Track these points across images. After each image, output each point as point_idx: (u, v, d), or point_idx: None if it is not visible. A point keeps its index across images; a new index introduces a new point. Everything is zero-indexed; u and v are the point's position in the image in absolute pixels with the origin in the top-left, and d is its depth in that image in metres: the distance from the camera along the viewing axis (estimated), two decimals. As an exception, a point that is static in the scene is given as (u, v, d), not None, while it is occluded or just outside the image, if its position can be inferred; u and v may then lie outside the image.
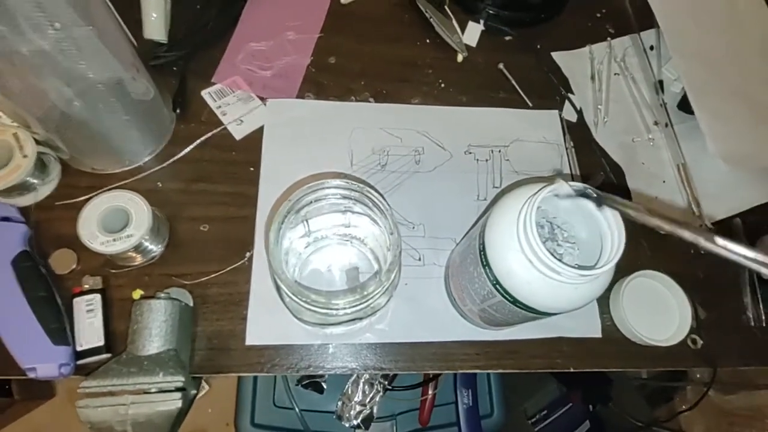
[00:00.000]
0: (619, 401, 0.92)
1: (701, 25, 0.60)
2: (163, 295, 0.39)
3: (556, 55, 0.60)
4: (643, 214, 0.27)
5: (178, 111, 0.49)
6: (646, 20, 0.60)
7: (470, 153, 0.53)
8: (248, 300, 0.43)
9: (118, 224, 0.39)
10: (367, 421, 0.69)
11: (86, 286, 0.40)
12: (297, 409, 0.68)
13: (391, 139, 0.52)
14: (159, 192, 0.46)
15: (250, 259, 0.44)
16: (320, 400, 0.70)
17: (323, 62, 0.55)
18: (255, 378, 0.72)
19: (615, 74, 0.60)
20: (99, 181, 0.45)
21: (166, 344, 0.36)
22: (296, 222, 0.36)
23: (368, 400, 0.69)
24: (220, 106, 0.50)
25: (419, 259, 0.47)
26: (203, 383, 1.04)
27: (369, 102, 0.54)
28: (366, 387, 0.69)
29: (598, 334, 0.46)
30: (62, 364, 0.36)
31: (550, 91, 0.58)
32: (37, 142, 0.42)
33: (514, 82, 0.57)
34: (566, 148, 0.54)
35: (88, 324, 0.39)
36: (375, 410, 0.69)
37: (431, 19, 0.57)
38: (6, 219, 0.41)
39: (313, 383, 0.70)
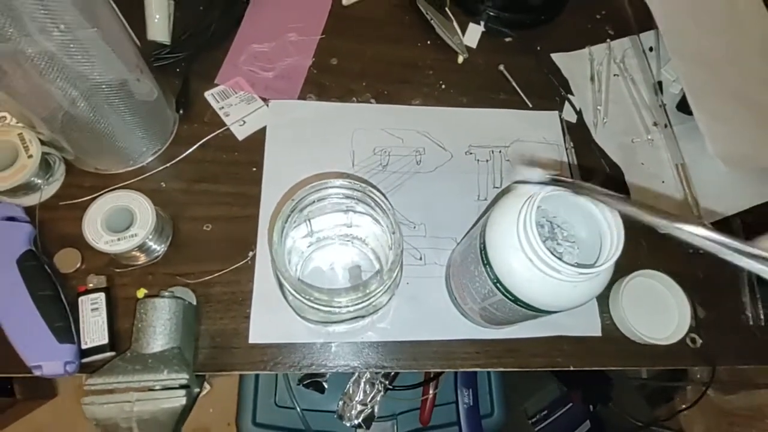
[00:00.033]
0: (619, 401, 0.92)
1: (700, 27, 0.60)
2: (167, 293, 0.40)
3: (556, 57, 0.60)
4: (621, 202, 0.27)
5: (181, 112, 0.49)
6: (646, 22, 0.61)
7: (471, 153, 0.53)
8: (251, 299, 0.43)
9: (122, 224, 0.40)
10: (368, 420, 0.69)
11: (91, 285, 0.41)
12: (298, 409, 0.68)
13: (392, 140, 0.52)
14: (162, 192, 0.47)
15: (253, 258, 0.45)
16: (321, 400, 0.70)
17: (325, 63, 0.56)
18: (256, 377, 0.72)
19: (614, 75, 0.61)
20: (103, 182, 0.45)
21: (170, 342, 0.37)
22: (299, 221, 0.36)
23: (369, 399, 0.69)
24: (222, 107, 0.51)
25: (420, 259, 0.47)
26: (205, 383, 1.04)
27: (370, 103, 0.54)
28: (367, 386, 0.69)
29: (598, 333, 0.47)
30: (67, 362, 0.37)
31: (549, 92, 0.58)
32: (42, 143, 0.43)
33: (514, 83, 0.58)
34: (566, 149, 0.55)
35: (93, 322, 0.39)
36: (376, 410, 0.69)
37: (432, 21, 0.58)
38: (11, 219, 0.41)
39: (314, 383, 0.70)
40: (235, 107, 0.51)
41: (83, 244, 0.39)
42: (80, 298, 0.40)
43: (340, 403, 0.69)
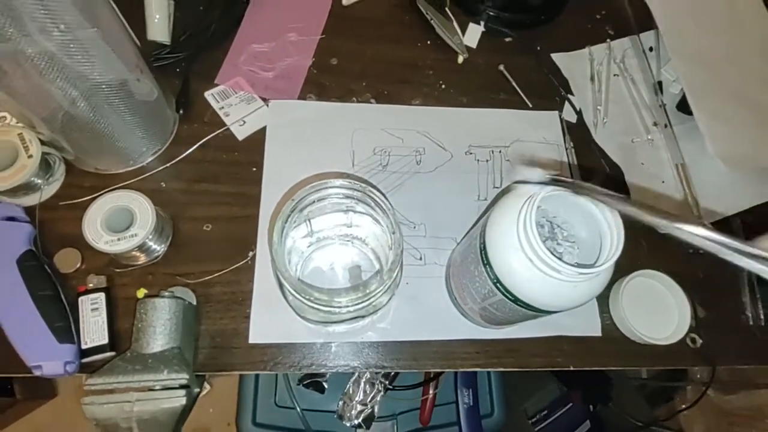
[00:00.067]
0: (619, 401, 0.92)
1: (700, 27, 0.60)
2: (167, 293, 0.40)
3: (556, 57, 0.60)
4: (621, 202, 0.28)
5: (181, 112, 0.49)
6: (646, 22, 0.61)
7: (471, 153, 0.53)
8: (251, 299, 0.43)
9: (122, 224, 0.40)
10: (368, 420, 0.69)
11: (91, 285, 0.41)
12: (298, 409, 0.68)
13: (392, 140, 0.52)
14: (162, 192, 0.47)
15: (253, 258, 0.45)
16: (321, 400, 0.70)
17: (325, 63, 0.56)
18: (256, 377, 0.72)
19: (614, 75, 0.61)
20: (103, 182, 0.45)
21: (171, 342, 0.37)
22: (299, 221, 0.36)
23: (369, 399, 0.69)
24: (222, 107, 0.51)
25: (420, 259, 0.47)
26: (205, 383, 1.04)
27: (370, 103, 0.54)
28: (367, 386, 0.69)
29: (598, 333, 0.47)
30: (67, 361, 0.37)
31: (549, 92, 0.58)
32: (42, 143, 0.43)
33: (514, 84, 0.58)
34: (566, 149, 0.55)
35: (93, 322, 0.39)
36: (376, 410, 0.69)
37: (432, 21, 0.58)
38: (11, 219, 0.41)
39: (314, 383, 0.70)
40: (235, 107, 0.51)
41: (83, 244, 0.39)
42: (80, 298, 0.40)
43: (340, 403, 0.69)
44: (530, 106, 0.57)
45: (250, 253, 0.45)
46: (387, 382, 0.69)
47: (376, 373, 0.69)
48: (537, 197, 0.30)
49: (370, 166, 0.51)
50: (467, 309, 0.42)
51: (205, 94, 0.51)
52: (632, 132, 0.58)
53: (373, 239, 0.41)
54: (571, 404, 0.94)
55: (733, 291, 0.51)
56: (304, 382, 0.70)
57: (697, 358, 0.48)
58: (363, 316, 0.36)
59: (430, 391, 0.72)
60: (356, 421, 0.68)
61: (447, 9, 0.59)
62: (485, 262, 0.34)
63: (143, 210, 0.40)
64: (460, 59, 0.58)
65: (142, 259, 0.43)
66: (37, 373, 0.37)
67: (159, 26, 0.51)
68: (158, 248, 0.43)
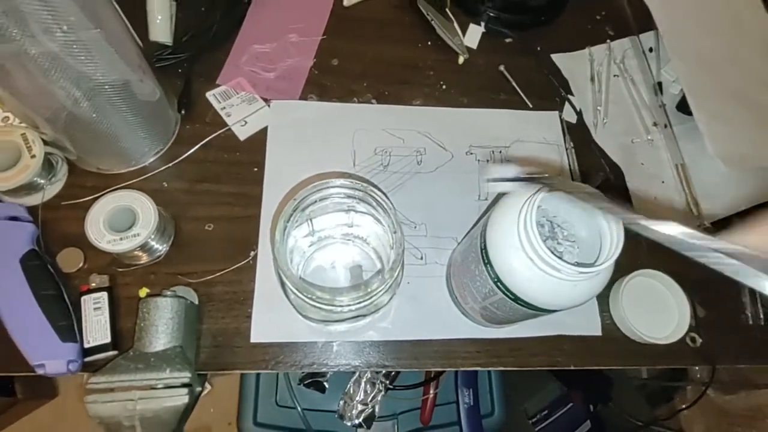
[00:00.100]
0: (620, 401, 0.92)
1: (700, 27, 0.61)
2: (169, 293, 0.40)
3: (556, 57, 0.61)
4: (589, 197, 0.28)
5: (183, 112, 0.50)
6: (645, 22, 0.61)
7: (471, 153, 0.53)
8: (253, 298, 0.43)
9: (124, 223, 0.40)
10: (369, 420, 0.69)
11: (93, 285, 0.41)
12: (299, 408, 0.68)
13: (393, 140, 0.52)
14: (164, 192, 0.47)
15: (255, 258, 0.45)
16: (322, 400, 0.71)
17: (326, 64, 0.56)
18: (257, 377, 0.73)
19: (614, 76, 0.61)
20: (105, 181, 0.46)
21: (173, 341, 0.37)
22: (301, 221, 0.36)
23: (370, 399, 0.69)
24: (224, 108, 0.51)
25: (421, 258, 0.47)
26: (205, 383, 1.04)
27: (371, 103, 0.54)
28: (368, 386, 0.70)
29: (598, 333, 0.47)
30: (70, 360, 0.37)
31: (550, 92, 0.58)
32: (45, 143, 0.43)
33: (514, 84, 0.58)
34: (566, 149, 0.55)
35: (96, 321, 0.39)
36: (377, 409, 0.69)
37: (432, 22, 0.58)
38: (14, 218, 0.42)
39: (314, 382, 0.70)
40: (237, 107, 0.51)
41: (86, 244, 0.39)
42: (83, 298, 0.40)
43: (341, 402, 0.69)
44: (530, 106, 0.57)
45: (252, 253, 0.45)
46: (388, 382, 0.69)
47: (377, 372, 0.69)
48: (537, 197, 0.30)
49: (371, 166, 0.51)
50: (468, 308, 0.43)
51: (207, 94, 0.52)
52: (632, 132, 0.58)
53: (375, 239, 0.41)
54: (571, 404, 0.94)
55: (732, 290, 0.51)
56: (305, 382, 0.70)
57: (696, 358, 0.48)
58: (364, 315, 0.36)
59: (431, 391, 0.72)
60: (357, 421, 0.68)
61: (447, 10, 0.59)
62: (486, 261, 0.34)
63: (145, 210, 0.40)
64: (461, 60, 0.58)
65: (144, 258, 0.43)
66: (40, 372, 0.37)
67: (161, 27, 0.51)
68: (160, 248, 0.43)
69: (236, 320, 0.43)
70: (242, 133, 0.50)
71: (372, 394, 0.69)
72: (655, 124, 0.58)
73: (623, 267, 0.48)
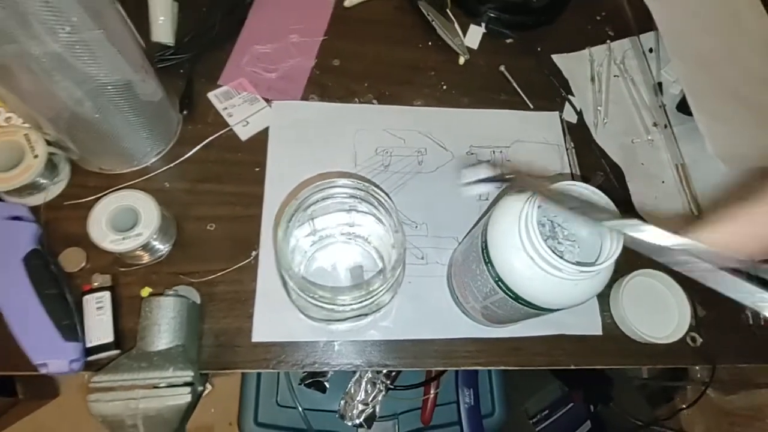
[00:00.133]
0: (620, 401, 0.92)
1: (700, 28, 0.61)
2: (171, 292, 0.40)
3: (557, 58, 0.61)
4: (553, 194, 0.28)
5: (185, 112, 0.50)
6: (645, 23, 0.61)
7: (472, 154, 0.53)
8: (254, 298, 0.44)
9: (127, 223, 0.40)
10: (370, 420, 0.69)
11: (96, 284, 0.41)
12: (300, 408, 0.69)
13: (394, 140, 0.53)
14: (166, 192, 0.47)
15: (256, 257, 0.45)
16: (323, 400, 0.71)
17: (327, 65, 0.56)
18: (258, 377, 0.73)
19: (614, 76, 0.61)
20: (107, 182, 0.46)
21: (175, 340, 0.37)
22: (303, 220, 0.37)
23: (371, 399, 0.69)
24: (226, 108, 0.51)
25: (422, 258, 0.47)
26: (206, 383, 1.04)
27: (372, 104, 0.54)
28: (368, 386, 0.70)
29: (599, 332, 0.47)
30: (73, 359, 0.37)
31: (550, 92, 0.59)
32: (48, 143, 0.43)
33: (515, 84, 0.58)
34: (567, 149, 0.55)
35: (98, 321, 0.39)
36: (377, 409, 0.69)
37: (433, 22, 0.58)
38: (17, 218, 0.42)
39: (315, 382, 0.71)
40: (239, 108, 0.51)
41: (88, 244, 0.39)
42: (85, 297, 0.40)
43: (342, 402, 0.70)
44: (531, 106, 0.57)
45: (254, 253, 0.45)
46: (388, 382, 0.70)
47: (378, 372, 0.69)
48: (538, 197, 0.30)
49: (372, 166, 0.51)
50: (469, 308, 0.43)
51: (209, 94, 0.52)
52: (632, 132, 0.58)
53: (376, 238, 0.41)
54: (572, 404, 0.94)
55: (733, 290, 0.51)
56: (306, 382, 0.70)
57: (697, 357, 0.48)
58: (366, 315, 0.37)
59: (431, 391, 0.72)
60: (358, 421, 0.69)
61: (448, 10, 0.60)
62: (487, 260, 0.34)
63: (148, 209, 0.41)
64: (462, 60, 0.58)
65: (147, 258, 0.43)
66: (42, 370, 0.37)
67: (163, 28, 0.52)
68: (162, 248, 0.44)
69: (238, 320, 0.43)
70: (244, 134, 0.50)
71: (373, 394, 0.69)
72: (655, 125, 0.58)
73: (624, 266, 0.48)
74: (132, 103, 0.41)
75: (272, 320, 0.43)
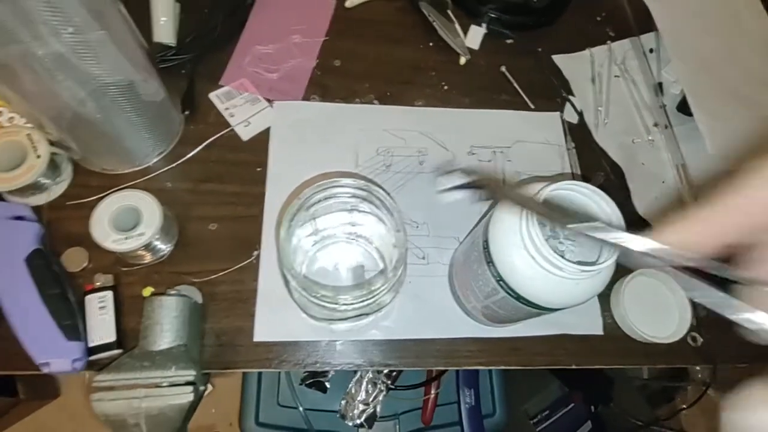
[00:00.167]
0: (620, 401, 0.92)
1: (700, 28, 0.61)
2: (173, 292, 0.40)
3: (557, 58, 0.61)
4: (524, 200, 0.28)
5: (186, 112, 0.50)
6: (646, 23, 0.61)
7: (473, 154, 0.54)
8: (256, 297, 0.44)
9: (129, 223, 0.40)
10: (371, 420, 0.69)
11: (98, 284, 0.41)
12: (301, 408, 0.69)
13: (395, 141, 0.53)
14: (168, 192, 0.47)
15: (258, 257, 0.45)
16: (324, 400, 0.71)
17: (328, 65, 0.56)
18: (259, 377, 0.73)
19: (615, 77, 0.61)
20: (109, 181, 0.46)
21: (177, 340, 0.37)
22: (305, 220, 0.37)
23: (371, 399, 0.69)
24: (227, 108, 0.51)
25: (423, 258, 0.47)
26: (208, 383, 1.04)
27: (373, 104, 0.55)
28: (369, 386, 0.70)
29: (600, 332, 0.47)
30: (75, 359, 0.37)
31: (551, 93, 0.59)
32: (50, 143, 0.43)
33: (516, 85, 0.58)
34: (567, 149, 0.55)
35: (100, 320, 0.39)
36: (378, 409, 0.69)
37: (434, 23, 0.58)
38: (19, 218, 0.42)
39: (316, 382, 0.71)
40: (240, 108, 0.51)
41: (90, 244, 0.39)
42: (87, 297, 0.40)
43: (343, 402, 0.70)
44: (532, 107, 0.57)
45: (255, 252, 0.45)
46: (389, 382, 0.70)
47: (379, 372, 0.69)
48: (540, 196, 0.30)
49: (374, 166, 0.51)
50: (470, 307, 0.43)
51: (210, 95, 0.52)
52: (633, 133, 0.58)
53: (378, 238, 0.41)
54: (572, 405, 0.94)
55: (733, 290, 0.51)
56: (307, 382, 0.70)
57: (697, 357, 0.48)
58: (367, 314, 0.37)
59: (432, 391, 0.72)
60: (358, 421, 0.69)
61: (449, 11, 0.60)
62: (488, 260, 0.34)
63: (150, 209, 0.41)
64: (462, 61, 0.58)
65: (149, 258, 0.43)
66: (45, 370, 0.37)
67: (165, 28, 0.52)
68: (164, 247, 0.44)
69: (239, 319, 0.43)
70: (245, 134, 0.50)
71: (373, 394, 0.69)
72: (655, 125, 0.58)
73: (624, 266, 0.48)
74: (134, 103, 0.41)
75: (273, 320, 0.43)
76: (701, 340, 0.48)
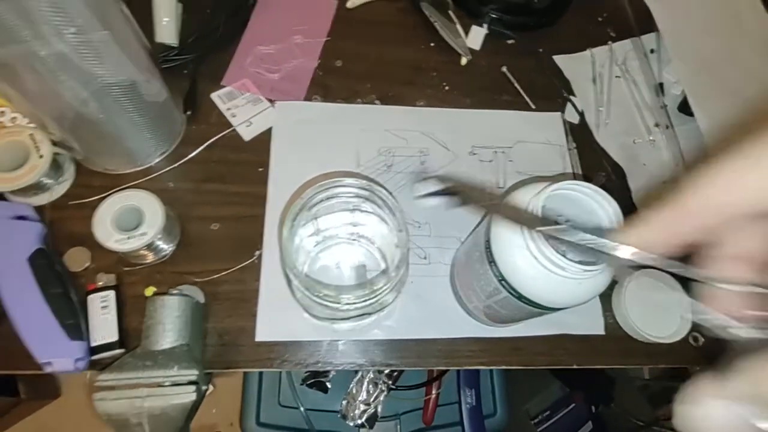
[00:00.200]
0: (622, 402, 0.92)
1: (701, 28, 0.61)
2: (175, 291, 0.40)
3: (558, 59, 0.61)
4: (492, 207, 0.28)
5: (188, 113, 0.50)
6: (647, 24, 0.61)
7: (474, 154, 0.54)
8: (258, 297, 0.44)
9: (131, 223, 0.40)
10: (372, 420, 0.69)
11: (100, 283, 0.41)
12: (302, 408, 0.69)
13: (396, 141, 0.53)
14: (170, 192, 0.47)
15: (260, 257, 0.45)
16: (325, 400, 0.71)
17: (330, 65, 0.56)
18: (260, 377, 0.73)
19: (616, 77, 0.61)
20: (111, 181, 0.46)
21: (180, 339, 0.37)
22: (307, 219, 0.37)
23: (372, 399, 0.69)
24: (229, 108, 0.51)
25: (425, 258, 0.48)
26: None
27: (375, 104, 0.55)
28: (370, 386, 0.70)
29: (601, 332, 0.47)
30: (78, 358, 0.37)
31: (552, 93, 0.59)
32: (53, 143, 0.43)
33: (517, 85, 0.58)
34: (569, 150, 0.55)
35: (103, 320, 0.40)
36: (379, 410, 0.69)
37: (435, 23, 0.58)
38: (22, 218, 0.42)
39: (317, 383, 0.71)
40: (242, 108, 0.52)
41: (92, 243, 0.39)
42: (89, 296, 0.40)
43: (344, 402, 0.70)
44: (533, 107, 0.57)
45: (257, 252, 0.46)
46: (390, 382, 0.70)
47: (380, 372, 0.69)
48: (542, 195, 0.31)
49: (375, 166, 0.51)
50: (472, 307, 0.43)
51: (212, 95, 0.52)
52: (634, 133, 0.58)
53: (380, 238, 0.41)
54: (573, 405, 0.94)
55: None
56: (308, 382, 0.70)
57: (699, 357, 0.48)
58: (369, 314, 0.37)
59: (433, 391, 0.72)
60: (359, 421, 0.69)
61: (450, 11, 0.60)
62: (490, 260, 0.34)
63: (152, 209, 0.41)
64: (464, 61, 0.58)
65: (151, 257, 0.43)
66: (47, 369, 0.37)
67: (167, 29, 0.52)
68: (166, 247, 0.44)
69: (241, 319, 0.43)
70: (247, 134, 0.51)
71: (374, 395, 0.69)
72: (656, 125, 0.58)
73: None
74: (137, 103, 0.41)
75: (275, 320, 0.43)
76: (702, 340, 0.48)
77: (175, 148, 0.49)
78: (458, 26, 0.59)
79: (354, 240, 0.44)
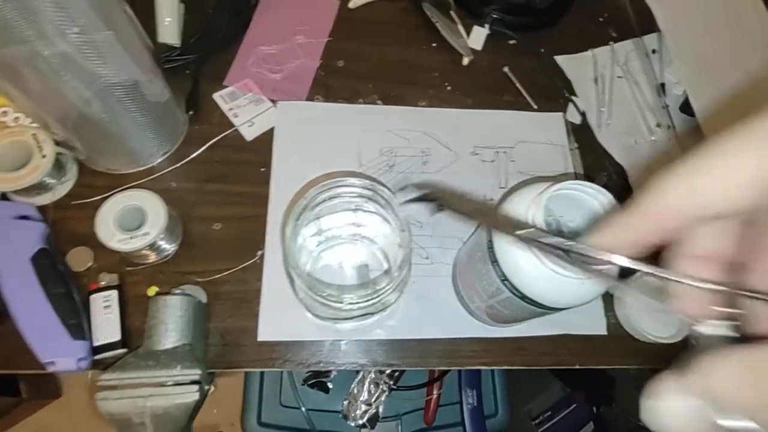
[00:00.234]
0: (623, 402, 0.92)
1: (702, 29, 0.61)
2: (178, 291, 0.40)
3: (560, 59, 0.61)
4: (479, 216, 0.29)
5: (191, 113, 0.50)
6: (648, 24, 0.61)
7: (476, 154, 0.54)
8: (260, 297, 0.44)
9: (134, 223, 0.40)
10: (373, 420, 0.69)
11: (103, 283, 0.41)
12: (303, 409, 0.69)
13: (398, 141, 0.53)
14: (172, 192, 0.47)
15: (262, 257, 0.45)
16: (326, 400, 0.71)
17: (332, 65, 0.56)
18: (261, 377, 0.73)
19: (618, 77, 0.61)
20: (114, 181, 0.46)
21: (182, 339, 0.37)
22: (309, 219, 0.37)
23: (374, 399, 0.69)
24: (231, 108, 0.52)
25: (427, 258, 0.48)
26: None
27: (377, 104, 0.55)
28: (371, 387, 0.70)
29: (604, 332, 0.47)
30: (80, 358, 0.37)
31: (554, 94, 0.59)
32: (56, 143, 0.43)
33: (518, 85, 0.58)
34: (570, 150, 0.55)
35: (105, 319, 0.40)
36: (380, 410, 0.69)
37: (437, 24, 0.58)
38: (25, 217, 0.42)
39: (318, 383, 0.71)
40: (244, 108, 0.52)
41: (95, 243, 0.40)
42: (92, 296, 0.40)
43: (345, 403, 0.70)
44: (535, 107, 0.57)
45: (259, 252, 0.46)
46: (391, 383, 0.70)
47: (381, 372, 0.69)
48: (545, 195, 0.31)
49: (377, 166, 0.51)
50: (474, 307, 0.43)
51: (214, 95, 0.52)
52: (636, 133, 0.58)
53: (382, 238, 0.41)
54: (574, 405, 0.94)
55: (736, 291, 0.51)
56: (309, 382, 0.70)
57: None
58: (372, 314, 0.37)
59: (435, 392, 0.72)
60: (361, 421, 0.69)
61: (452, 12, 0.60)
62: (493, 260, 0.34)
63: (155, 209, 0.41)
64: (465, 61, 0.58)
65: (153, 257, 0.43)
66: (50, 369, 0.37)
67: (169, 29, 0.52)
68: (169, 247, 0.44)
69: (243, 319, 0.43)
70: (249, 134, 0.51)
71: (376, 395, 0.69)
72: (658, 125, 0.58)
73: (628, 267, 0.48)
74: (139, 103, 0.41)
75: (277, 320, 0.43)
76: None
77: (177, 148, 0.49)
78: (460, 27, 0.59)
79: (356, 240, 0.44)
